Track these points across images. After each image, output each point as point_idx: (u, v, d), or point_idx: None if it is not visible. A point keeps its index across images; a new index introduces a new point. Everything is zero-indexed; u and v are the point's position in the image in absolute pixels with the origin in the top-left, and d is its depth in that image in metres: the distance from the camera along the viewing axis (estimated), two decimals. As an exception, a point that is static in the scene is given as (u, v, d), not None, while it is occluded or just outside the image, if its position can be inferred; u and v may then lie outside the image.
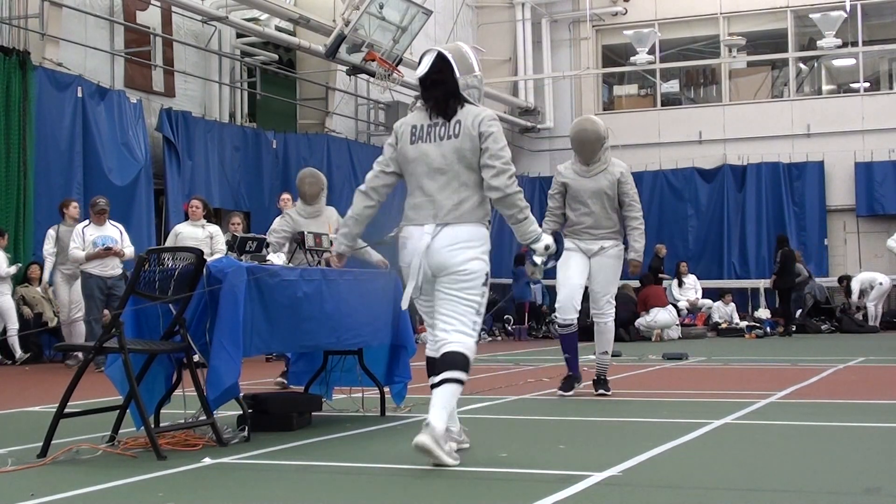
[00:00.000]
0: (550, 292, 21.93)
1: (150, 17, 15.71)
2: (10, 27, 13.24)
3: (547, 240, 4.91)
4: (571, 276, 7.47)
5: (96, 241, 11.22)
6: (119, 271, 11.30)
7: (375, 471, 4.44)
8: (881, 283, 19.70)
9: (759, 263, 22.17)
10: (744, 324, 19.32)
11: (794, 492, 4.01)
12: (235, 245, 5.96)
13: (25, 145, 12.86)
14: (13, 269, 12.37)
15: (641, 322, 17.62)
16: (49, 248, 11.81)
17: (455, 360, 4.59)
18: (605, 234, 7.51)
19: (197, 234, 10.99)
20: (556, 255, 5.08)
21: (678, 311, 18.90)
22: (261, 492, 4.06)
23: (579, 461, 4.69)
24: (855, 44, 22.35)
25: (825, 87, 24.14)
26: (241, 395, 5.56)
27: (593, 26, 24.34)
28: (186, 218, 11.72)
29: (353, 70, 16.77)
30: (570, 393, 7.61)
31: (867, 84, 23.35)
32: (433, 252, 4.66)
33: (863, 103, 22.40)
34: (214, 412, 5.35)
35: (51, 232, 11.88)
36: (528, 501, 3.72)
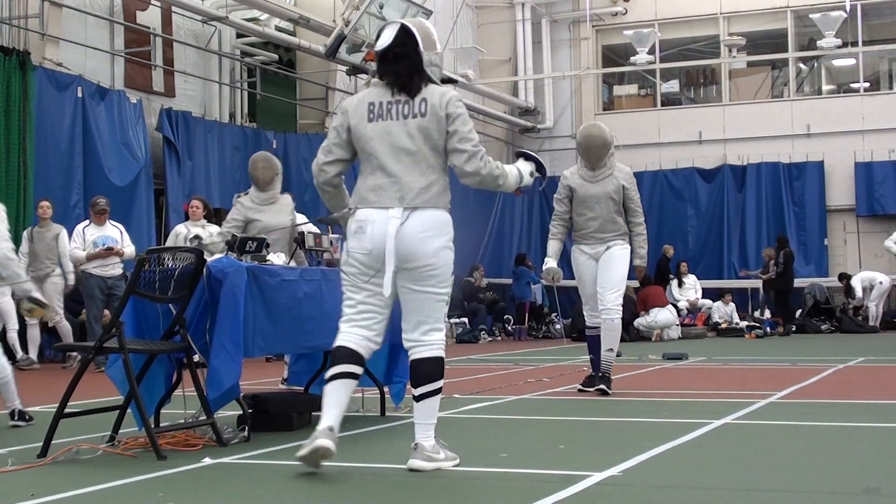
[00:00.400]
0: (550, 293, 21.98)
1: (150, 17, 15.71)
2: (10, 27, 13.23)
3: (525, 168, 4.71)
4: (588, 285, 7.75)
5: (97, 241, 11.22)
6: (119, 271, 11.30)
7: (375, 471, 4.44)
8: (881, 283, 19.71)
9: (759, 264, 22.12)
10: (744, 324, 19.32)
11: (794, 492, 4.01)
12: (235, 245, 5.96)
13: (25, 145, 12.85)
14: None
15: (641, 322, 17.62)
16: (24, 248, 11.80)
17: (434, 370, 4.49)
18: (610, 237, 7.67)
19: (197, 235, 10.99)
20: (540, 168, 4.79)
21: (678, 311, 18.90)
22: (261, 492, 4.06)
23: (579, 461, 4.69)
24: (855, 44, 22.34)
25: (825, 87, 24.13)
26: (241, 395, 5.56)
27: (593, 26, 24.33)
28: (187, 218, 11.72)
29: (353, 70, 16.77)
30: (591, 390, 7.74)
31: (867, 84, 23.34)
32: (403, 238, 4.36)
33: (863, 103, 22.39)
34: (215, 412, 5.36)
35: (25, 233, 11.87)
36: (528, 501, 3.72)
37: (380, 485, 4.25)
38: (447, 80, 20.31)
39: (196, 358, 5.37)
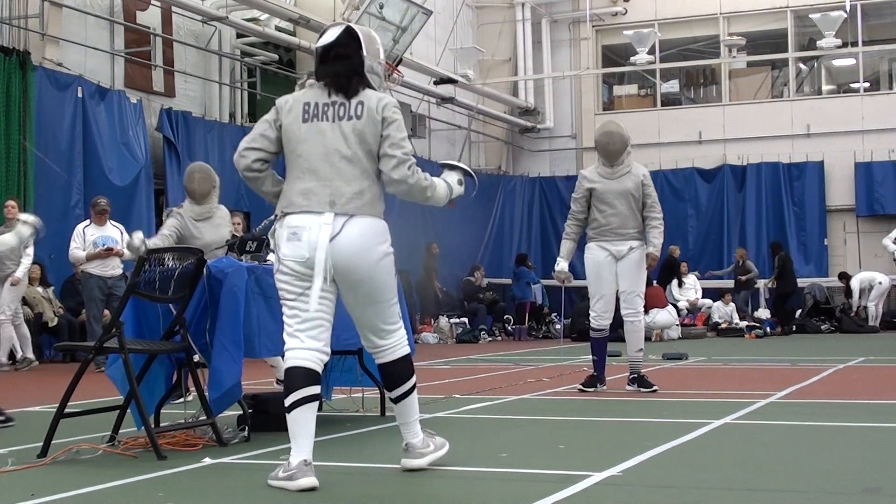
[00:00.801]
0: (552, 293, 21.99)
1: (150, 17, 15.71)
2: (10, 27, 13.23)
3: (453, 179, 4.50)
4: (605, 287, 7.75)
5: (97, 241, 11.22)
6: (119, 271, 11.30)
7: (375, 471, 4.44)
8: (880, 283, 19.71)
9: (759, 263, 22.13)
10: (744, 324, 19.32)
11: (794, 492, 4.01)
12: (235, 245, 5.96)
13: (25, 145, 12.85)
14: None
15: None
16: None
17: (405, 369, 4.42)
18: (631, 234, 7.73)
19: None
20: (467, 174, 4.58)
21: (678, 311, 18.89)
22: (261, 492, 4.06)
23: (579, 461, 4.69)
24: (855, 44, 22.34)
25: (825, 87, 24.13)
26: (241, 395, 5.57)
27: (593, 26, 24.33)
28: (187, 218, 11.70)
29: (353, 70, 16.75)
30: (591, 390, 7.83)
31: (867, 84, 23.34)
32: (340, 248, 4.14)
33: (863, 103, 22.39)
34: (219, 414, 5.36)
35: None
36: (528, 501, 3.72)
37: (380, 485, 4.25)
38: (447, 80, 20.33)
39: (196, 358, 5.38)
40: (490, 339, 19.17)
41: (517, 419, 6.57)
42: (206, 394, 5.36)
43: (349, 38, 4.31)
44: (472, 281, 20.74)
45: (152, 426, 5.03)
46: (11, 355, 12.57)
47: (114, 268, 11.29)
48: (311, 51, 18.68)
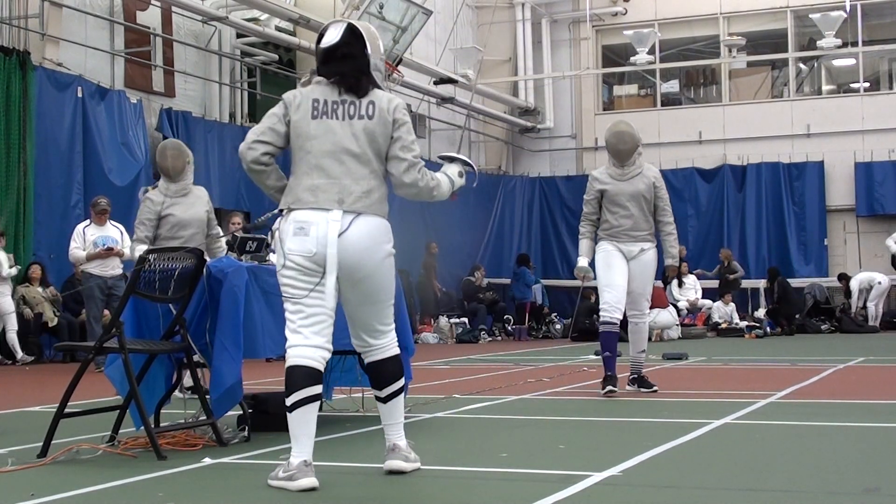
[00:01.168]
0: (550, 293, 22.01)
1: (150, 17, 15.71)
2: (10, 27, 13.24)
3: (453, 171, 4.52)
4: (616, 278, 7.60)
5: (97, 241, 11.22)
6: (119, 271, 11.30)
7: (375, 471, 4.44)
8: (880, 283, 19.71)
9: (759, 263, 22.16)
10: (744, 324, 19.33)
11: (794, 492, 4.01)
12: (235, 245, 5.96)
13: (25, 145, 12.86)
14: (14, 271, 12.37)
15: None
16: None
17: (395, 369, 4.41)
18: (643, 235, 7.68)
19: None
20: (466, 166, 4.58)
21: (678, 311, 18.89)
22: (261, 492, 4.06)
23: (579, 461, 4.69)
24: (855, 44, 22.34)
25: (825, 87, 24.13)
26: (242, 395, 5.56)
27: (593, 26, 24.33)
28: (187, 218, 11.70)
29: (354, 70, 16.75)
30: (614, 390, 7.54)
31: (867, 84, 23.34)
32: (347, 245, 4.13)
33: (863, 103, 22.39)
34: (221, 416, 5.36)
35: None
36: (528, 501, 3.72)
37: (380, 485, 4.24)
38: (447, 80, 20.34)
39: (196, 358, 5.38)
40: (490, 339, 19.18)
41: (517, 419, 6.57)
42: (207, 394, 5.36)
43: (353, 37, 4.27)
44: (472, 281, 20.74)
45: (152, 426, 5.03)
46: (11, 355, 12.58)
47: (114, 268, 11.29)
48: (312, 51, 18.67)
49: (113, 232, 11.42)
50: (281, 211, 4.28)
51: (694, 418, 6.06)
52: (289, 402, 4.12)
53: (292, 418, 4.12)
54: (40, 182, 13.08)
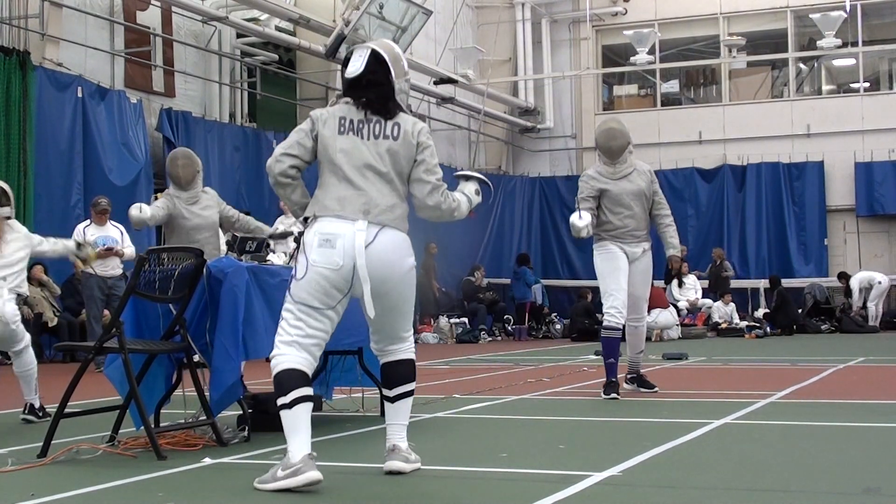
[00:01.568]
0: (550, 293, 22.00)
1: (150, 17, 15.71)
2: (10, 27, 13.23)
3: (470, 189, 4.55)
4: (622, 282, 7.47)
5: (97, 241, 11.19)
6: (119, 271, 11.31)
7: (375, 471, 4.44)
8: (880, 283, 19.72)
9: (758, 263, 22.17)
10: (744, 324, 19.33)
11: (794, 492, 4.01)
12: (235, 245, 5.96)
13: (25, 145, 12.86)
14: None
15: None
16: None
17: (408, 372, 4.47)
18: (644, 235, 7.64)
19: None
20: (482, 184, 4.63)
21: (678, 311, 18.89)
22: (261, 492, 4.06)
23: (579, 461, 4.69)
24: (855, 44, 22.34)
25: (825, 87, 24.13)
26: (242, 394, 5.57)
27: (593, 26, 24.33)
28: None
29: (354, 70, 16.75)
30: (612, 396, 7.41)
31: (867, 84, 23.34)
32: (374, 257, 4.18)
33: (863, 103, 22.39)
34: (219, 413, 5.36)
35: None
36: (528, 501, 3.73)
37: (380, 485, 4.24)
38: (447, 80, 20.34)
39: (196, 358, 5.38)
40: (490, 339, 19.18)
41: (517, 419, 6.57)
42: (207, 394, 5.36)
43: (377, 64, 4.34)
44: (472, 281, 20.74)
45: (152, 426, 5.03)
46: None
47: (114, 268, 11.29)
48: (312, 50, 18.71)
49: (113, 232, 11.42)
50: (306, 219, 4.30)
51: (694, 418, 6.06)
52: (286, 399, 4.11)
53: (290, 415, 4.11)
54: (40, 182, 13.07)
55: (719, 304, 19.92)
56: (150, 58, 15.70)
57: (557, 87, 24.15)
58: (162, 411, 5.58)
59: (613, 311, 7.43)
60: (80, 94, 13.71)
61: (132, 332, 5.33)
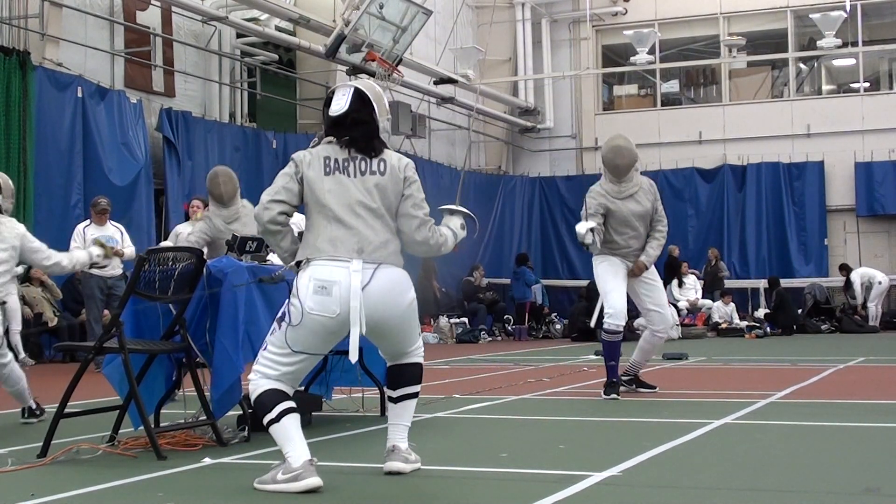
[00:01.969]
0: (550, 293, 21.99)
1: (150, 17, 15.71)
2: (10, 27, 13.23)
3: (456, 224, 4.57)
4: (622, 286, 7.49)
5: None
6: (119, 271, 11.30)
7: (375, 471, 4.44)
8: (880, 283, 19.71)
9: (759, 263, 22.17)
10: (744, 324, 19.33)
11: (794, 492, 4.01)
12: (235, 245, 5.96)
13: (25, 145, 12.85)
14: (20, 269, 12.35)
15: (641, 322, 17.58)
16: None
17: (414, 374, 4.52)
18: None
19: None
20: (468, 218, 4.63)
21: (678, 311, 18.89)
22: (261, 492, 4.06)
23: (579, 461, 4.69)
24: (855, 44, 22.34)
25: (825, 87, 24.13)
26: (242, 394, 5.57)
27: (593, 26, 24.33)
28: (187, 218, 11.70)
29: (353, 70, 16.76)
30: (612, 396, 7.45)
31: (867, 84, 23.34)
32: (373, 298, 4.15)
33: (863, 103, 22.39)
34: (222, 416, 5.36)
35: None
36: (528, 501, 3.73)
37: (380, 485, 4.25)
38: (447, 80, 20.32)
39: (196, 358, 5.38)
40: (490, 339, 19.17)
41: (517, 419, 6.57)
42: (207, 394, 5.36)
43: (361, 103, 4.32)
44: (472, 281, 20.74)
45: (152, 426, 5.03)
46: (14, 355, 12.56)
47: (114, 268, 11.29)
48: (311, 50, 18.67)
49: (113, 232, 11.41)
50: (298, 264, 4.26)
51: (694, 418, 6.06)
52: (272, 415, 4.11)
53: (279, 427, 4.11)
54: (40, 182, 13.07)
55: (719, 304, 19.93)
56: (150, 58, 15.69)
57: (557, 87, 24.14)
58: (162, 411, 5.59)
59: (613, 312, 7.44)
60: (80, 94, 13.71)
61: (132, 332, 5.33)
